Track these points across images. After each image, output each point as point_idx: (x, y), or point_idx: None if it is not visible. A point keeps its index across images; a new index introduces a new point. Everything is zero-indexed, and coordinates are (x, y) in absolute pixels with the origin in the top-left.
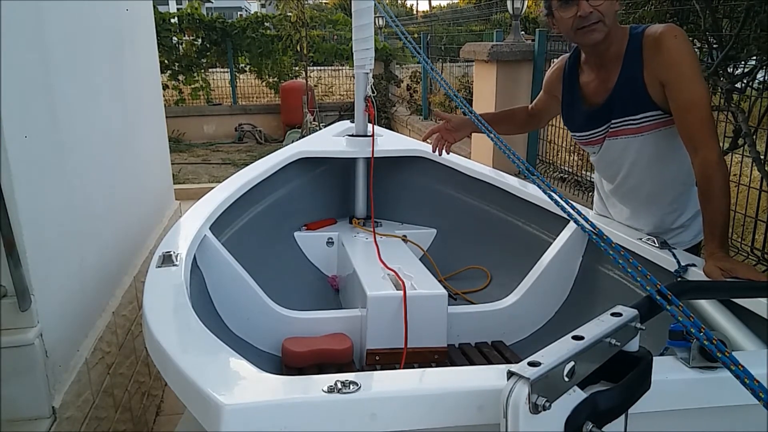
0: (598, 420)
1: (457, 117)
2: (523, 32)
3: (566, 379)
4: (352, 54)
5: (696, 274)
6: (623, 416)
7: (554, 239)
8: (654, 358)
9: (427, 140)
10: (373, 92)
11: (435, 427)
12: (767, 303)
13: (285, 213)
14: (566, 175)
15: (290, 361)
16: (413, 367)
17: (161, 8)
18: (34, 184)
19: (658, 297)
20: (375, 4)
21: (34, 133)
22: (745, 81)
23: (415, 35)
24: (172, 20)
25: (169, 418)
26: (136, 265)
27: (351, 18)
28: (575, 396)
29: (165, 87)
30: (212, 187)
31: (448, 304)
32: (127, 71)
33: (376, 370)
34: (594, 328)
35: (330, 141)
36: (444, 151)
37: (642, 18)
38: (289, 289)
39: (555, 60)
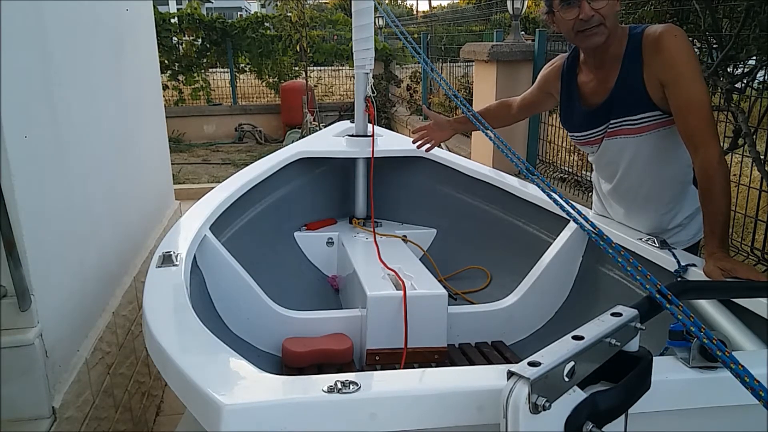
0: (598, 420)
1: (441, 118)
2: (523, 32)
3: (566, 379)
4: (352, 54)
5: (696, 274)
6: (623, 416)
7: (554, 239)
8: (654, 358)
9: (414, 137)
10: (373, 92)
11: (435, 427)
12: (767, 303)
13: (285, 213)
14: (566, 175)
15: (290, 361)
16: (413, 367)
17: (161, 8)
18: (34, 184)
19: (658, 297)
20: (375, 4)
21: (34, 133)
22: (745, 81)
23: (415, 35)
24: (172, 20)
25: (169, 418)
26: (136, 265)
27: (351, 18)
28: (575, 396)
29: (165, 87)
30: (212, 187)
31: (448, 304)
32: (127, 71)
33: (376, 370)
34: (594, 328)
35: (330, 141)
36: (426, 149)
37: (642, 18)
38: (289, 289)
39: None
